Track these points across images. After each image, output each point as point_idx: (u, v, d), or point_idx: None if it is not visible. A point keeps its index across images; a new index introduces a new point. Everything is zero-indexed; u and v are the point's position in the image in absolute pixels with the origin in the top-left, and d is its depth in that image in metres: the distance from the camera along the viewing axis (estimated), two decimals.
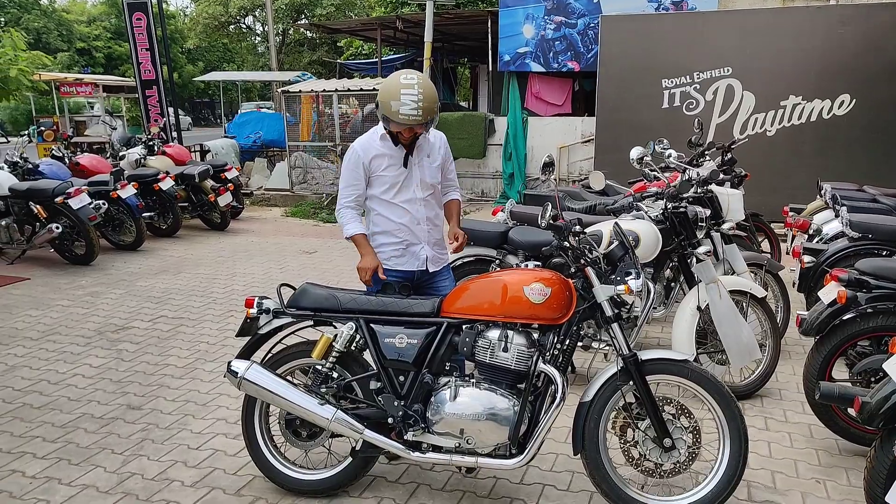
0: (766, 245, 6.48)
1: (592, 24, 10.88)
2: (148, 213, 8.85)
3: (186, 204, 9.65)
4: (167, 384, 4.56)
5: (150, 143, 10.44)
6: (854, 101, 8.82)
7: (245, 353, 3.24)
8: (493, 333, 2.92)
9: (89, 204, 7.56)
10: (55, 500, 3.23)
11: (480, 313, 2.96)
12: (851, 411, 3.44)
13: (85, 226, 7.54)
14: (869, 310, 3.54)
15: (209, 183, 9.65)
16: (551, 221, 2.98)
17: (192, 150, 13.21)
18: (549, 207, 3.10)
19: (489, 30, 12.19)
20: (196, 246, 9.03)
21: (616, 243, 3.01)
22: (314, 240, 9.44)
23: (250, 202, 12.12)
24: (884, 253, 4.63)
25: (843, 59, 8.79)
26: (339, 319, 3.13)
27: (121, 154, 10.07)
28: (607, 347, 4.03)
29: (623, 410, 3.02)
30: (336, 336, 3.06)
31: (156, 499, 3.24)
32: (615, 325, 2.91)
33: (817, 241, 5.29)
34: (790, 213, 6.12)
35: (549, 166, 3.38)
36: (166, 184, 8.94)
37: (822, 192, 6.02)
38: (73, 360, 4.99)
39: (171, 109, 13.65)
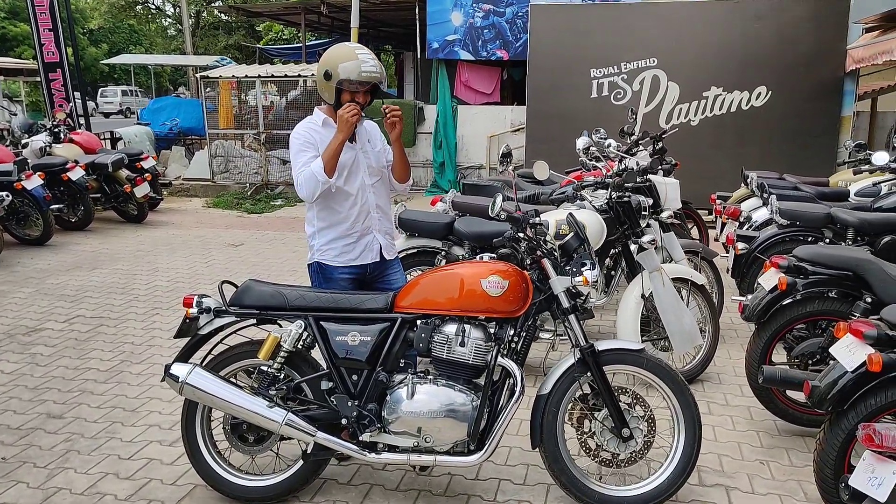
0: (695, 232, 6.67)
1: (521, 13, 10.92)
2: (56, 206, 8.22)
3: (99, 195, 9.12)
4: (90, 389, 4.24)
5: (56, 129, 9.78)
6: (770, 92, 9.22)
7: (184, 356, 3.03)
8: (450, 328, 2.85)
9: None
10: None
11: (436, 307, 2.87)
12: (793, 394, 3.60)
13: None
14: (805, 295, 3.66)
15: (124, 173, 9.15)
16: (508, 211, 2.92)
17: (103, 137, 12.51)
18: (500, 197, 3.04)
19: (417, 16, 12.03)
20: (111, 239, 8.52)
21: (571, 234, 2.97)
22: (240, 231, 9.09)
23: (168, 192, 11.58)
24: (809, 239, 4.83)
25: (760, 53, 9.18)
26: (285, 318, 2.98)
27: (23, 142, 9.37)
28: (556, 338, 4.01)
29: (580, 401, 3.00)
30: (284, 335, 2.91)
31: None
32: (572, 317, 2.89)
33: (747, 228, 5.47)
34: (718, 201, 6.31)
35: (507, 157, 3.29)
36: (76, 174, 8.41)
37: (749, 180, 6.23)
38: None
39: (76, 94, 12.83)
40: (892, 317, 2.79)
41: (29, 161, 8.27)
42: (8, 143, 10.18)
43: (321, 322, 2.94)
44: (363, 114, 3.11)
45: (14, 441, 3.61)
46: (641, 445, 2.99)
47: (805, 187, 5.85)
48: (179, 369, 2.88)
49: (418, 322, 2.90)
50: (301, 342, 2.92)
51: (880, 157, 5.61)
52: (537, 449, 2.96)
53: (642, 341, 4.18)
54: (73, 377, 4.43)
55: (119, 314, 5.65)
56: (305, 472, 3.04)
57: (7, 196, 7.29)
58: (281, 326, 2.98)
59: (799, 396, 3.42)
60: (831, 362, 2.88)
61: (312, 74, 11.39)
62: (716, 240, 6.46)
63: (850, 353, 2.78)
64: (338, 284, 3.25)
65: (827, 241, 4.78)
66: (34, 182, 7.74)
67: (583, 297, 2.97)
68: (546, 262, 2.88)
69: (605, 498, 2.96)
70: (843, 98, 9.24)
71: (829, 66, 9.10)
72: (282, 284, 3.07)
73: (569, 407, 3.00)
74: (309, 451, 2.96)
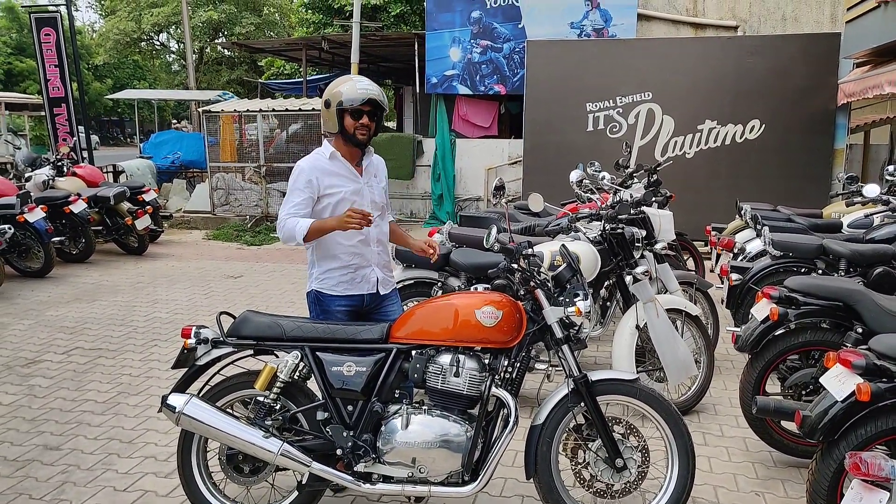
0: (690, 263, 6.71)
1: (518, 49, 11.12)
2: (58, 238, 8.27)
3: (100, 227, 9.19)
4: (87, 421, 4.25)
5: (60, 163, 9.89)
6: (764, 126, 9.36)
7: (181, 386, 3.05)
8: (445, 358, 2.86)
9: None
10: None
11: (431, 338, 2.89)
12: (788, 424, 3.61)
13: None
14: (797, 326, 3.70)
15: (125, 205, 9.23)
16: (502, 243, 2.97)
17: (105, 170, 12.66)
18: (495, 229, 3.09)
19: (416, 52, 12.25)
20: (112, 271, 8.57)
21: (564, 265, 3.01)
22: (239, 263, 9.14)
23: (169, 225, 11.66)
24: (802, 270, 4.88)
25: (753, 87, 9.34)
26: (282, 348, 2.99)
27: (27, 175, 9.48)
28: (551, 368, 4.02)
29: (574, 432, 3.01)
30: (280, 366, 2.93)
31: None
32: (565, 347, 2.91)
33: (741, 259, 5.52)
34: (713, 232, 6.37)
35: (500, 189, 3.34)
36: (78, 206, 8.48)
37: (743, 212, 6.30)
38: None
39: (81, 128, 13.01)
40: (880, 346, 2.82)
41: (32, 194, 8.35)
42: (11, 176, 10.31)
43: (317, 353, 2.95)
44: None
45: (11, 473, 3.62)
46: (635, 476, 2.98)
47: (798, 219, 5.91)
48: (176, 399, 2.90)
49: (413, 353, 2.91)
50: (297, 373, 2.94)
51: (871, 190, 5.71)
52: (532, 479, 2.97)
53: (637, 372, 4.20)
54: (70, 409, 4.44)
55: (118, 346, 5.67)
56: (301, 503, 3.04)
57: (9, 229, 7.36)
58: (278, 357, 3.01)
59: (793, 427, 3.42)
60: (822, 392, 2.91)
61: (313, 108, 11.57)
62: (711, 271, 6.50)
63: (839, 382, 2.80)
64: (334, 315, 3.26)
65: (820, 272, 4.82)
66: (36, 215, 7.81)
67: (576, 328, 2.99)
68: (539, 293, 2.90)
69: None
70: (835, 131, 9.40)
71: (821, 100, 9.26)
72: (279, 315, 3.10)
73: (563, 437, 3.00)
74: (304, 482, 2.97)
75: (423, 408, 2.90)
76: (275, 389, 2.94)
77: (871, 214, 5.64)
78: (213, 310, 6.69)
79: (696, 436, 4.01)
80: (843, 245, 4.74)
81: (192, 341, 3.00)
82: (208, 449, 3.13)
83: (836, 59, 9.12)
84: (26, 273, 8.07)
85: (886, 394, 2.69)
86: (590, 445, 2.99)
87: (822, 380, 2.88)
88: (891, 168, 6.18)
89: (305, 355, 2.94)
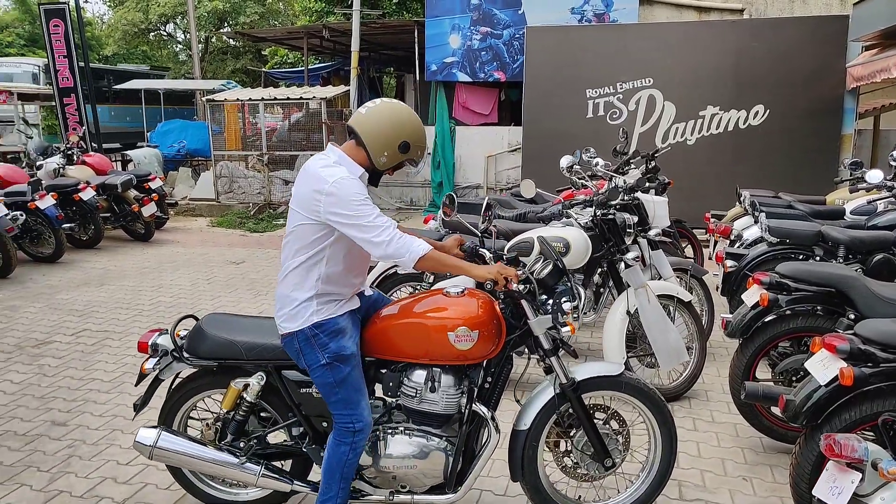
0: (689, 250, 6.71)
1: (517, 35, 11.07)
2: (68, 224, 8.51)
3: (109, 214, 9.35)
4: (93, 399, 4.40)
5: (69, 152, 10.07)
6: (768, 111, 9.29)
7: (145, 401, 3.03)
8: (419, 375, 2.71)
9: (6, 215, 7.26)
10: None
11: (403, 357, 2.74)
12: (777, 410, 3.62)
13: (1, 238, 7.22)
14: (789, 312, 3.70)
15: (132, 193, 9.37)
16: (471, 249, 2.88)
17: (114, 159, 12.76)
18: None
19: (416, 39, 12.22)
20: (119, 257, 8.69)
21: (549, 268, 2.81)
22: (241, 250, 9.23)
23: (175, 212, 11.77)
24: (800, 256, 4.85)
25: (757, 72, 9.25)
26: (244, 367, 2.86)
27: (38, 164, 9.61)
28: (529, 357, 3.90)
29: (556, 425, 2.94)
30: (244, 387, 2.84)
31: None
32: (553, 358, 2.77)
33: (738, 246, 5.50)
34: (712, 220, 6.36)
35: (452, 201, 3.26)
36: (87, 194, 8.62)
37: (742, 198, 6.27)
38: None
39: (90, 118, 13.12)
40: (865, 331, 2.80)
41: (43, 182, 8.50)
42: (24, 164, 10.44)
43: (282, 371, 2.83)
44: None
45: (20, 446, 3.77)
46: (619, 460, 2.95)
47: (799, 205, 5.84)
48: (146, 435, 2.88)
49: (383, 370, 2.80)
50: (263, 391, 2.85)
51: (875, 175, 5.64)
52: (518, 482, 2.93)
53: (628, 357, 4.22)
54: (77, 387, 4.58)
55: (124, 328, 5.79)
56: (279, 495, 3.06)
57: (21, 215, 7.51)
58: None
59: None
60: (807, 377, 2.92)
61: (314, 97, 11.58)
62: (710, 258, 6.50)
63: (823, 367, 2.81)
64: (342, 328, 2.72)
65: (817, 259, 4.79)
66: (47, 202, 7.98)
67: (567, 338, 2.85)
68: (525, 304, 2.69)
69: None
70: (843, 116, 9.29)
71: (828, 85, 9.16)
72: (245, 316, 3.06)
73: (546, 435, 2.93)
74: (288, 493, 2.97)
75: (400, 427, 2.79)
76: (242, 409, 2.88)
77: (875, 200, 5.57)
78: (215, 294, 6.80)
79: (686, 421, 4.07)
80: (842, 231, 4.70)
81: (149, 365, 2.94)
82: (189, 424, 3.14)
83: (844, 42, 9.01)
84: (38, 258, 8.24)
85: (870, 378, 2.69)
86: (572, 434, 2.92)
87: (806, 364, 2.88)
88: None
89: (270, 374, 2.83)
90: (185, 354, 2.92)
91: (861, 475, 2.13)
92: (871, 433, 2.79)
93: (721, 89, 9.39)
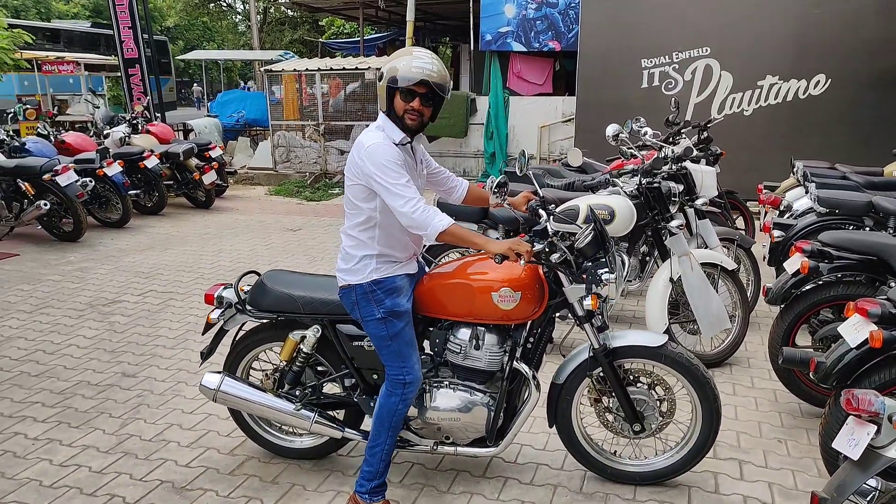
0: (740, 222, 6.68)
1: (573, 4, 10.95)
2: (134, 191, 8.93)
3: (171, 182, 9.74)
4: (160, 354, 4.71)
5: (134, 121, 10.47)
6: (829, 80, 9.02)
7: (211, 349, 3.29)
8: (464, 333, 2.87)
9: (76, 181, 7.62)
10: (57, 460, 3.38)
11: (449, 315, 2.89)
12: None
13: (72, 203, 7.61)
14: (830, 279, 3.73)
15: (194, 161, 9.73)
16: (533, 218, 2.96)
17: (176, 128, 13.23)
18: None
19: (471, 9, 12.23)
20: (182, 223, 9.10)
21: (590, 237, 2.82)
22: (298, 217, 9.53)
23: (234, 181, 12.14)
24: (850, 227, 4.81)
25: (819, 40, 8.97)
26: (301, 321, 3.04)
27: (105, 132, 10.08)
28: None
29: (597, 383, 3.03)
30: (301, 339, 3.03)
31: (154, 457, 3.40)
32: (587, 325, 2.87)
33: (788, 217, 5.47)
34: (764, 191, 6.30)
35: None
36: (151, 162, 8.99)
37: (795, 169, 6.20)
38: (66, 331, 5.12)
39: (154, 88, 13.60)
40: None
41: (110, 150, 8.92)
42: (92, 133, 10.96)
43: (337, 325, 3.00)
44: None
45: (93, 395, 4.10)
46: (657, 426, 3.03)
47: (854, 176, 5.75)
48: (211, 380, 3.12)
49: (431, 328, 2.95)
50: (318, 344, 3.03)
51: None
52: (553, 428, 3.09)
53: (671, 323, 4.32)
54: (145, 343, 4.91)
55: (186, 290, 6.14)
56: (332, 444, 3.28)
57: (90, 182, 7.90)
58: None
59: None
60: (839, 340, 2.98)
61: (370, 67, 11.75)
62: (761, 230, 6.45)
63: (855, 330, 2.87)
64: (399, 287, 2.83)
65: (867, 229, 4.76)
66: (114, 169, 8.36)
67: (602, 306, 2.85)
68: (560, 273, 2.78)
69: (618, 472, 3.13)
70: None
71: (894, 54, 8.83)
72: (304, 274, 3.22)
73: (585, 391, 3.06)
74: (339, 439, 3.16)
75: (445, 381, 2.95)
76: (299, 360, 3.07)
77: None
78: (272, 259, 7.11)
79: (726, 386, 4.15)
80: (894, 202, 4.65)
81: (214, 315, 3.19)
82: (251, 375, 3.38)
83: None
84: (106, 223, 8.70)
85: None
86: (612, 393, 3.01)
87: (839, 328, 2.95)
88: None
89: (325, 327, 3.00)
90: (248, 307, 3.13)
91: (877, 428, 2.22)
92: None
93: (780, 58, 9.15)
